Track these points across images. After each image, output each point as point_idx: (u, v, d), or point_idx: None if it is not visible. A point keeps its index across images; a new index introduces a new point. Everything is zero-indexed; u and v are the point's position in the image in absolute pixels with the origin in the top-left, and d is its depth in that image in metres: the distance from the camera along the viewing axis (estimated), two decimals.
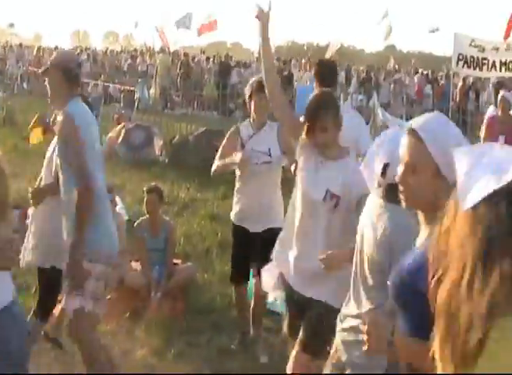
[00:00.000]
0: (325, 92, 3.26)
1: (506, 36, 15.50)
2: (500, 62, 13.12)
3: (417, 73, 21.88)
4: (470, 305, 1.08)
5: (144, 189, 5.35)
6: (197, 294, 5.20)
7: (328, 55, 24.84)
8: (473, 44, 13.38)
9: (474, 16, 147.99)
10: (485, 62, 13.25)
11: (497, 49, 13.17)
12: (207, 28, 18.81)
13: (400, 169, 1.83)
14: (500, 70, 13.27)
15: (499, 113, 7.25)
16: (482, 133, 7.26)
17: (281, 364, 3.27)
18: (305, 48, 53.21)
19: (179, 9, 63.57)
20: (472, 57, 13.31)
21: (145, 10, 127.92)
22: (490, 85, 18.76)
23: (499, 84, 18.38)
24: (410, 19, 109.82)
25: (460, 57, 13.38)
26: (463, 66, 13.48)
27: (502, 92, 7.49)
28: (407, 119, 14.77)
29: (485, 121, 7.38)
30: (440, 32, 23.67)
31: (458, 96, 18.17)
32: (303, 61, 24.10)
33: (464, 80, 18.55)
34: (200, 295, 5.17)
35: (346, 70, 22.67)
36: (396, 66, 25.42)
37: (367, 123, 13.58)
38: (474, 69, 13.44)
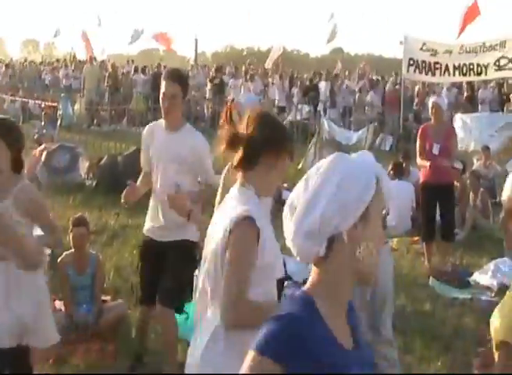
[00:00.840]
0: None
1: (461, 31, 16.17)
2: (454, 66, 13.53)
3: (362, 79, 22.34)
4: None
5: (70, 221, 5.28)
6: (129, 334, 5.15)
7: (270, 61, 25.38)
8: (424, 47, 13.80)
9: (426, 16, 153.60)
10: (438, 66, 13.67)
11: (450, 52, 13.61)
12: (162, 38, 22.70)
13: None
14: (454, 75, 13.67)
15: (432, 121, 7.51)
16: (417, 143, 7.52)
17: None
18: (244, 53, 53.80)
19: (106, 13, 63.22)
20: (424, 62, 13.70)
21: (69, 15, 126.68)
22: (444, 90, 19.41)
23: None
24: (357, 20, 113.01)
25: (411, 62, 13.79)
26: (414, 71, 13.89)
27: (433, 98, 7.73)
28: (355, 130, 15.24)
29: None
30: (390, 33, 24.47)
31: (418, 103, 18.73)
32: (243, 68, 24.42)
33: (424, 84, 19.14)
34: (133, 335, 5.13)
35: (290, 78, 23.06)
36: (347, 73, 26.02)
37: (312, 136, 13.84)
38: (427, 74, 13.84)
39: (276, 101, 19.95)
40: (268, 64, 25.58)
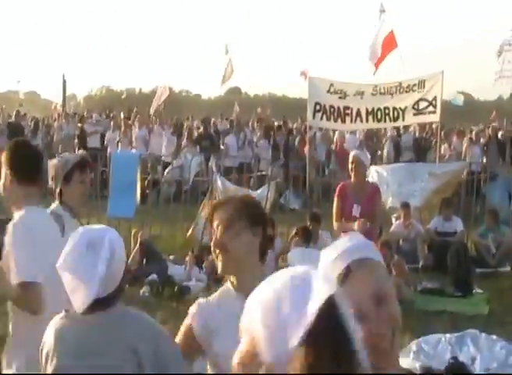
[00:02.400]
0: None
1: (377, 66, 16.91)
2: (367, 110, 13.97)
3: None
4: None
5: None
6: None
7: (155, 104, 25.57)
8: (332, 89, 14.24)
9: (334, 50, 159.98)
10: (348, 111, 14.07)
11: (362, 94, 14.07)
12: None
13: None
14: (367, 121, 14.10)
15: (352, 177, 7.77)
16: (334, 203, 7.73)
17: None
18: (124, 95, 53.83)
19: None
20: (332, 107, 14.07)
21: None
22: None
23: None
24: (257, 55, 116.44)
25: (317, 107, 14.14)
26: (321, 118, 14.23)
27: (352, 151, 8.03)
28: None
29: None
30: (295, 70, 25.39)
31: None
32: (121, 114, 24.41)
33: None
34: None
35: (176, 126, 23.25)
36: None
37: (204, 195, 13.95)
38: (336, 121, 14.20)
39: (163, 156, 19.86)
40: (153, 109, 25.76)
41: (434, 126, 20.64)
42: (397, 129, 21.10)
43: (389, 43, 17.27)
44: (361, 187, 7.73)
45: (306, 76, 25.38)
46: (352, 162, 7.77)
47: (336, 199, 7.80)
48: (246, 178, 17.04)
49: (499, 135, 20.88)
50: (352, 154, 7.96)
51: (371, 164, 15.69)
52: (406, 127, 21.01)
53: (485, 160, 18.83)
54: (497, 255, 12.08)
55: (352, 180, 7.82)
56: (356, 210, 7.53)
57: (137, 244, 10.96)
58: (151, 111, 25.85)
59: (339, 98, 14.21)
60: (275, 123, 25.67)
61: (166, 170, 18.59)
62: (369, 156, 8.40)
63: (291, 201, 16.28)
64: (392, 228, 12.28)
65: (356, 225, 7.33)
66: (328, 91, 14.30)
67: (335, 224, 7.80)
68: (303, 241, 10.28)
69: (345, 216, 7.60)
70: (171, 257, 11.74)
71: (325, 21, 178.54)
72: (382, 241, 10.40)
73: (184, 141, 20.68)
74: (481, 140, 20.45)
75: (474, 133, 21.02)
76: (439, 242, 12.20)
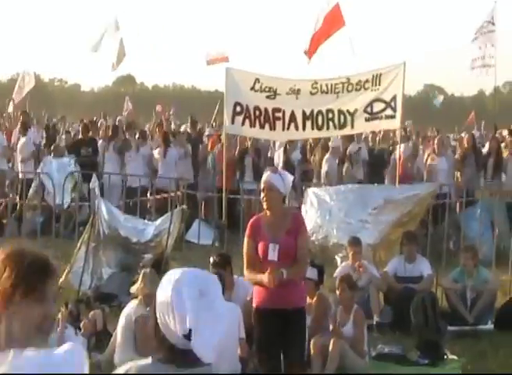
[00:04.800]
0: None
1: (313, 49, 17.09)
2: (304, 114, 14.07)
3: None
4: None
5: None
6: None
7: (17, 97, 25.33)
8: (258, 86, 14.30)
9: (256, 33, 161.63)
10: (280, 115, 14.13)
11: (297, 92, 14.15)
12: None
13: None
14: (304, 128, 14.17)
15: (265, 210, 7.93)
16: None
17: None
18: None
19: None
20: (258, 109, 14.12)
21: None
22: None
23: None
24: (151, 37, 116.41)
25: (238, 109, 14.18)
26: (242, 123, 14.26)
27: (265, 175, 8.07)
28: None
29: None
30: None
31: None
32: None
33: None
34: None
35: (47, 128, 22.98)
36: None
37: (82, 227, 13.84)
38: (262, 127, 14.27)
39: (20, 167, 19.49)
40: (12, 105, 25.50)
41: (394, 133, 20.98)
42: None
43: (333, 20, 17.46)
44: (278, 219, 7.83)
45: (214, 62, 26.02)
46: (263, 189, 7.88)
47: (246, 240, 7.94)
48: (141, 203, 16.90)
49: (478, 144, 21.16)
50: (263, 177, 8.04)
51: (307, 185, 15.90)
52: (357, 136, 21.18)
53: (459, 179, 19.14)
54: (476, 307, 12.23)
55: (266, 212, 7.91)
56: (272, 252, 7.65)
57: None
58: (9, 107, 25.58)
59: (268, 97, 14.35)
60: (182, 127, 25.73)
61: (30, 191, 18.28)
62: (290, 178, 8.29)
63: (201, 234, 16.24)
64: (338, 272, 12.29)
65: (266, 277, 7.49)
66: (253, 89, 14.44)
67: (245, 273, 7.95)
68: None
69: (261, 259, 7.70)
70: None
71: None
72: (318, 294, 10.44)
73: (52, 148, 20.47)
74: (456, 151, 20.78)
75: (445, 141, 21.23)
76: (399, 291, 12.34)
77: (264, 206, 7.87)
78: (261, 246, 7.73)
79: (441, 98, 29.94)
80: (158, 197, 17.30)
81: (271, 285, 7.42)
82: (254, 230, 7.84)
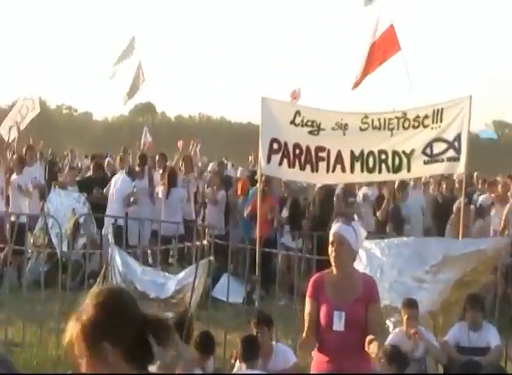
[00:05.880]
0: None
1: (363, 75, 17.12)
2: (352, 154, 13.92)
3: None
4: None
5: None
6: None
7: (15, 127, 25.49)
8: (299, 119, 14.16)
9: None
10: (324, 155, 13.91)
11: (344, 128, 13.98)
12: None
13: None
14: (352, 171, 14.04)
15: (333, 267, 7.88)
16: None
17: None
18: None
19: None
20: (298, 147, 13.93)
21: None
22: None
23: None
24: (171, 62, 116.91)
25: (275, 146, 14.07)
26: (280, 163, 14.00)
27: (334, 226, 8.05)
28: None
29: None
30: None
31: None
32: None
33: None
34: None
35: (53, 163, 23.04)
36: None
37: (93, 280, 13.99)
38: (303, 168, 14.03)
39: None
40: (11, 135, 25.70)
41: (457, 179, 20.81)
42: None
43: (387, 43, 17.39)
44: (347, 281, 7.79)
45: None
46: (332, 243, 7.80)
47: (308, 300, 7.87)
48: (161, 252, 16.94)
49: None
50: (333, 228, 7.93)
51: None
52: (415, 180, 21.02)
53: None
54: None
55: (333, 270, 7.84)
56: (338, 321, 7.61)
57: None
58: (10, 136, 25.71)
59: (310, 133, 14.24)
60: (210, 165, 25.76)
61: (35, 233, 18.40)
62: (363, 232, 8.13)
63: (231, 290, 16.20)
64: (389, 339, 12.23)
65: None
66: (293, 122, 14.32)
67: (301, 340, 7.85)
68: (245, 360, 10.28)
69: (321, 328, 7.65)
70: None
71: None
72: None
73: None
74: None
75: None
76: (461, 364, 12.18)
77: (332, 263, 7.80)
78: (323, 311, 7.69)
79: (491, 128, 29.35)
80: (181, 245, 17.33)
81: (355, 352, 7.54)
82: (316, 290, 7.80)
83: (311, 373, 7.98)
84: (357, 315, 7.64)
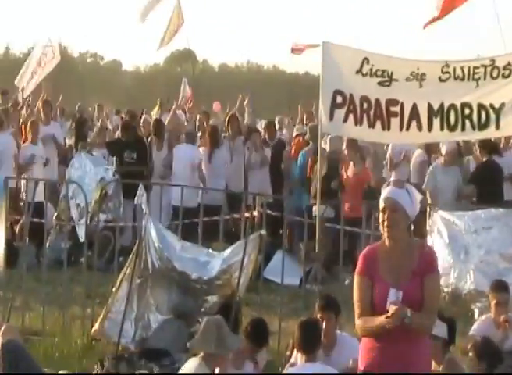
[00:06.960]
0: None
1: (437, 18, 17.01)
2: (430, 108, 13.82)
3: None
4: None
5: None
6: None
7: (35, 78, 25.71)
8: (367, 68, 14.11)
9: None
10: (397, 109, 13.87)
11: (421, 78, 13.96)
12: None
13: None
14: (430, 128, 13.95)
15: (385, 238, 7.86)
16: None
17: None
18: None
19: None
20: (367, 100, 13.96)
21: None
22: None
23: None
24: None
25: (339, 100, 14.04)
26: (345, 120, 14.07)
27: (385, 190, 7.95)
28: None
29: None
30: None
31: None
32: None
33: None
34: None
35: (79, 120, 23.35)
36: None
37: (124, 259, 13.98)
38: (372, 126, 13.99)
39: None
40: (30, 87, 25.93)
41: None
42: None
43: None
44: (402, 253, 7.76)
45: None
46: (383, 210, 7.77)
47: (357, 278, 7.87)
48: (206, 226, 16.87)
49: None
50: (384, 193, 7.91)
51: (433, 207, 15.64)
52: (506, 139, 20.81)
53: None
54: None
55: (385, 241, 7.82)
56: (394, 298, 7.57)
57: None
58: (25, 90, 25.90)
59: (380, 84, 14.18)
60: (262, 123, 25.74)
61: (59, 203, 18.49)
62: (419, 197, 8.08)
63: (286, 270, 16.17)
64: (475, 328, 12.15)
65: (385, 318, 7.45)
66: (360, 72, 14.25)
67: (356, 322, 7.85)
68: (304, 349, 10.22)
69: (376, 307, 7.64)
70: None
71: None
72: (447, 360, 10.36)
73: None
74: None
75: None
76: None
77: (385, 233, 7.74)
78: (377, 289, 7.65)
79: None
80: (227, 218, 17.31)
81: (391, 323, 7.36)
82: (368, 266, 7.74)
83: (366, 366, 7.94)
84: (415, 293, 7.59)
